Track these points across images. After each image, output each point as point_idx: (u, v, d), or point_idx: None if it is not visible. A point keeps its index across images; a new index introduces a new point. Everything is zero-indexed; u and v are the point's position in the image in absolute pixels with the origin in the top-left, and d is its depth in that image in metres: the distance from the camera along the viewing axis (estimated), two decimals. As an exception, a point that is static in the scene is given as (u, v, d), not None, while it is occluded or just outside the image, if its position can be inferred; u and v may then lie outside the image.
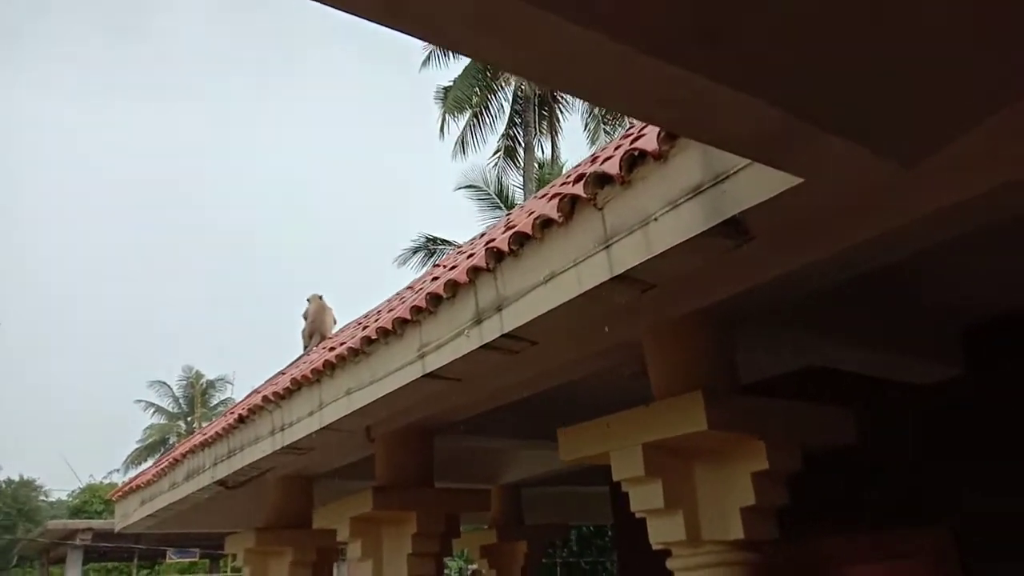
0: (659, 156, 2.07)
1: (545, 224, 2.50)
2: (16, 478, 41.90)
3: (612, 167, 2.23)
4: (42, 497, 42.46)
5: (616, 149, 2.63)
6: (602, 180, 2.26)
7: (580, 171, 2.73)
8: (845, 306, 3.61)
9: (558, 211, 2.41)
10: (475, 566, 21.75)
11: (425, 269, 20.60)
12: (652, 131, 2.27)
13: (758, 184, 1.90)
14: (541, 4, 1.11)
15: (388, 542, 4.93)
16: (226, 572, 24.49)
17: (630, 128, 3.53)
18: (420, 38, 1.23)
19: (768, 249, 2.26)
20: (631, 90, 1.42)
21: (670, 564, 3.23)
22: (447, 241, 21.35)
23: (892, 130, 1.68)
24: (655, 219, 2.11)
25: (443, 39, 1.28)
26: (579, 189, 2.34)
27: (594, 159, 3.27)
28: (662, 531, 3.19)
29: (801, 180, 1.82)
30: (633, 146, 2.16)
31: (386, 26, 1.17)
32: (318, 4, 1.17)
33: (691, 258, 2.18)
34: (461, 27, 1.20)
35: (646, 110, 1.52)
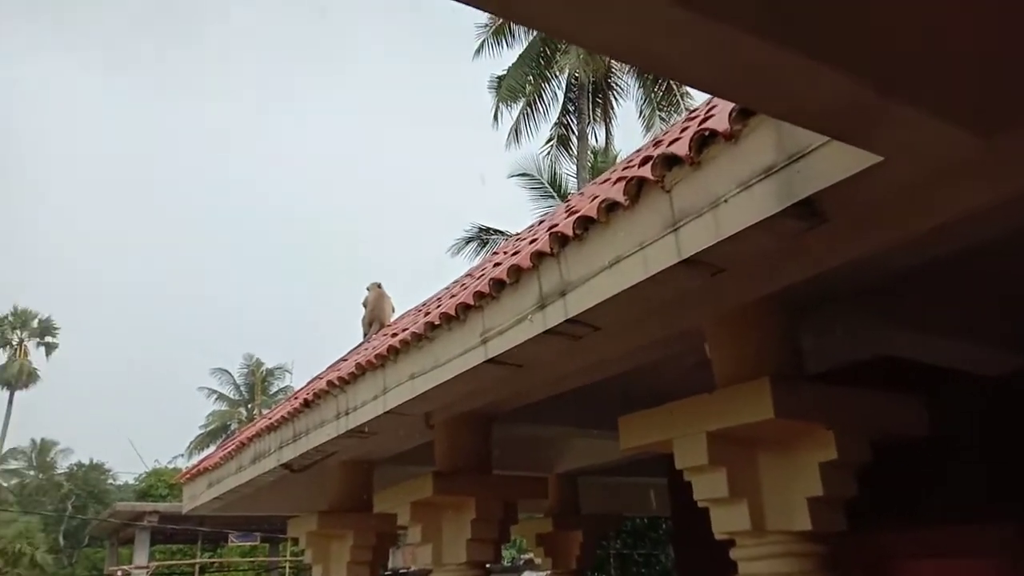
0: (730, 136, 2.04)
1: (611, 207, 2.48)
2: (86, 462, 43.68)
3: (681, 148, 2.19)
4: (110, 480, 44.15)
5: (683, 131, 2.59)
6: (670, 161, 2.23)
7: (645, 154, 2.70)
8: (915, 293, 3.50)
9: (624, 194, 2.39)
10: (528, 555, 21.87)
11: (478, 259, 20.70)
12: (721, 111, 2.23)
13: (834, 163, 1.85)
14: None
15: (447, 527, 4.99)
16: (285, 556, 25.09)
17: (694, 111, 3.48)
18: (497, 13, 1.23)
19: (841, 232, 2.20)
20: (707, 63, 1.40)
21: (734, 554, 3.19)
22: (500, 231, 21.40)
23: (976, 103, 1.62)
24: (725, 201, 2.07)
25: (518, 14, 1.27)
26: (646, 171, 2.31)
27: (657, 142, 3.23)
28: (726, 521, 3.15)
29: (880, 158, 1.77)
30: (703, 126, 2.13)
31: (461, 1, 1.17)
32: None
33: (762, 241, 2.13)
34: (536, 2, 1.20)
35: (722, 84, 1.50)
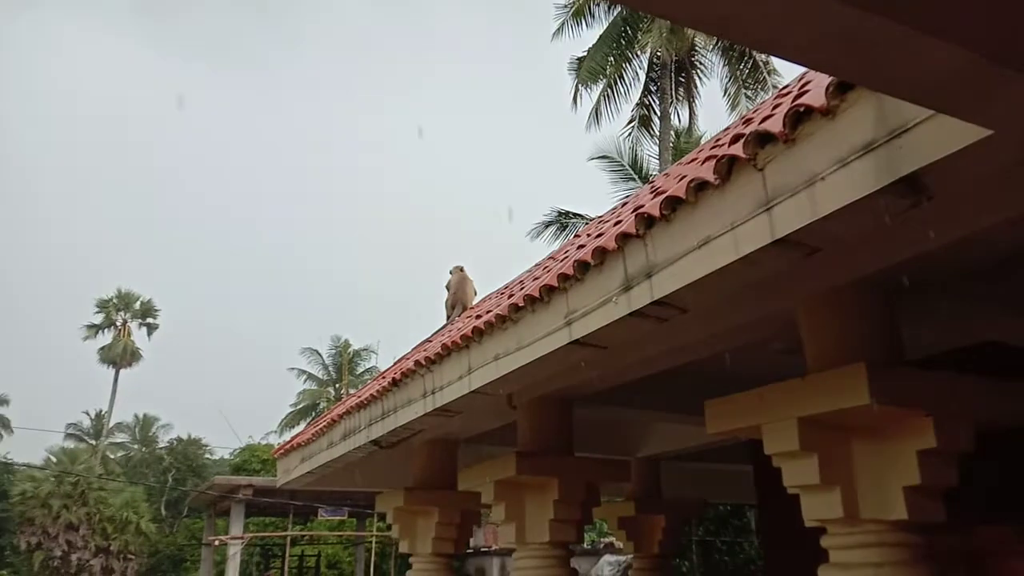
0: (827, 112, 1.97)
1: (700, 187, 2.45)
2: (185, 437, 45.96)
3: (774, 125, 2.14)
4: (207, 455, 46.29)
5: (775, 108, 2.52)
6: (763, 139, 2.18)
7: (735, 132, 2.64)
8: (1022, 275, 3.32)
9: (714, 173, 2.35)
10: (608, 539, 21.88)
11: (557, 243, 20.66)
12: (816, 86, 2.16)
13: (939, 138, 1.77)
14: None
15: (530, 507, 5.05)
16: (372, 531, 25.83)
17: (784, 87, 3.38)
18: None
19: (945, 210, 2.11)
20: (808, 36, 1.36)
21: (825, 542, 3.12)
22: (579, 215, 21.29)
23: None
24: (822, 179, 2.01)
25: None
26: (737, 149, 2.26)
27: (747, 120, 3.15)
28: (817, 508, 3.08)
29: (989, 132, 1.69)
30: (797, 102, 2.07)
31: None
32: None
33: (861, 220, 2.06)
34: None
35: (824, 58, 1.45)
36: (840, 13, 1.27)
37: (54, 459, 35.07)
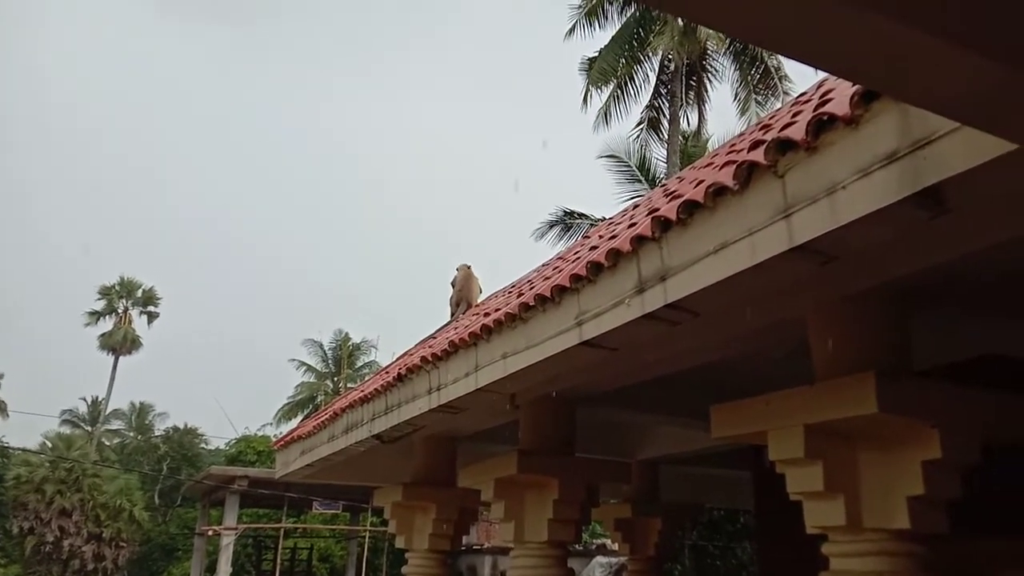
0: (851, 121, 1.98)
1: (719, 192, 2.45)
2: (181, 426, 45.96)
3: (796, 132, 2.15)
4: (203, 445, 46.28)
5: (795, 115, 2.53)
6: (784, 146, 2.19)
7: (753, 138, 2.66)
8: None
9: (733, 178, 2.36)
10: (601, 540, 21.88)
11: (562, 243, 20.67)
12: (840, 95, 2.17)
13: (963, 151, 1.78)
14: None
15: (530, 506, 5.05)
16: (366, 526, 25.85)
17: (802, 95, 3.39)
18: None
19: (964, 223, 2.12)
20: (839, 46, 1.37)
21: (826, 549, 3.13)
22: (584, 215, 21.31)
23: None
24: (843, 187, 2.02)
25: None
26: (757, 155, 2.27)
27: (765, 127, 3.16)
28: (820, 515, 3.09)
29: (1015, 146, 1.70)
30: (821, 110, 2.08)
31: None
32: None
33: (881, 230, 2.07)
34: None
35: (854, 67, 1.46)
36: (871, 23, 1.28)
37: (50, 444, 35.07)
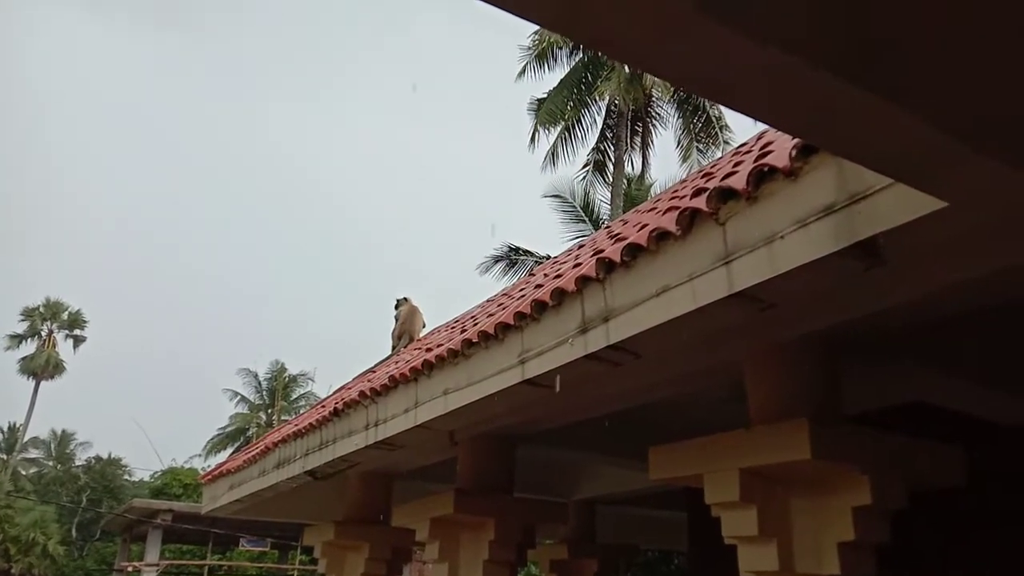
0: (790, 173, 2.04)
1: (661, 237, 2.49)
2: (104, 456, 44.08)
3: (738, 182, 2.20)
4: (126, 476, 44.45)
5: (736, 165, 2.60)
6: (726, 195, 2.24)
7: (695, 185, 2.71)
8: (960, 340, 3.46)
9: (676, 224, 2.39)
10: (537, 581, 21.64)
11: (507, 278, 20.73)
12: (780, 147, 2.23)
13: (896, 207, 1.84)
14: (719, 18, 1.12)
15: (465, 547, 4.97)
16: (294, 564, 25.07)
17: (743, 145, 3.49)
18: (587, 45, 1.25)
19: (897, 274, 2.19)
20: (779, 99, 1.40)
21: (759, 593, 3.15)
22: (529, 252, 21.45)
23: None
24: (781, 237, 2.07)
25: (581, 33, 1.28)
26: (700, 203, 2.32)
27: (706, 175, 3.24)
28: (753, 559, 3.11)
29: (945, 204, 1.76)
30: (761, 162, 2.13)
31: (560, 33, 1.19)
32: (484, 4, 1.20)
33: (817, 279, 2.12)
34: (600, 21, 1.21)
35: (791, 121, 1.50)
36: (809, 79, 1.31)
37: (-41, 473, 33.20)
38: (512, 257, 21.50)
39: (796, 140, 2.04)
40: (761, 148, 2.52)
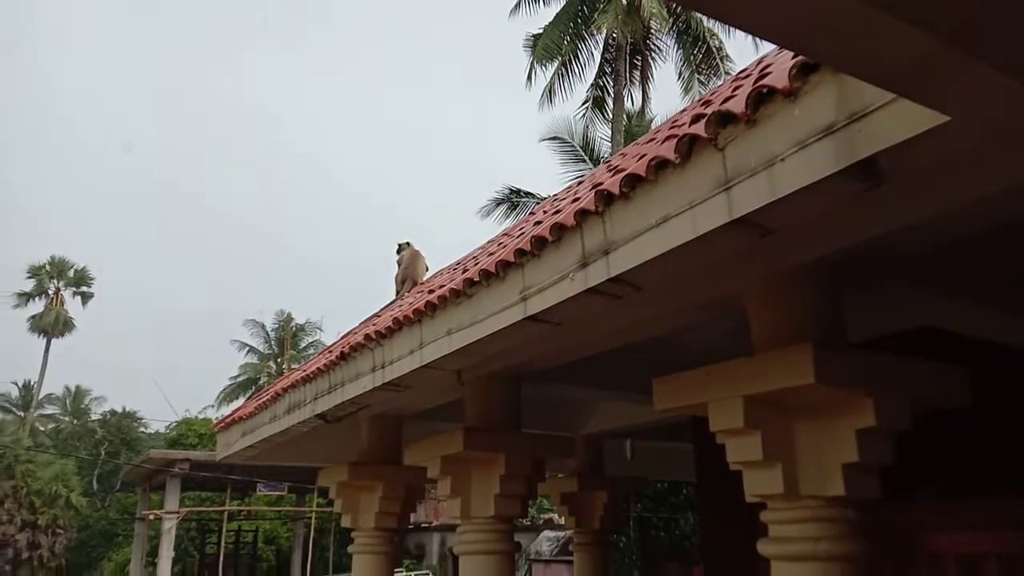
0: (789, 93, 2.00)
1: (660, 165, 2.45)
2: (119, 409, 44.77)
3: (736, 105, 2.16)
4: (142, 428, 45.21)
5: (735, 89, 2.55)
6: (725, 119, 2.20)
7: (695, 112, 2.66)
8: (965, 263, 3.44)
9: (675, 152, 2.36)
10: (548, 515, 22.16)
11: (509, 221, 20.65)
12: (778, 69, 2.18)
13: (897, 123, 1.81)
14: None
15: (476, 482, 5.06)
16: (311, 507, 25.64)
17: (743, 71, 3.42)
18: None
19: (899, 195, 2.16)
20: (778, 12, 1.37)
21: (765, 516, 3.21)
22: (530, 193, 21.30)
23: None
24: (781, 160, 2.04)
25: None
26: (699, 129, 2.28)
27: (706, 102, 3.18)
28: (758, 483, 3.16)
29: (947, 119, 1.73)
30: (760, 83, 2.09)
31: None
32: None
33: (818, 201, 2.10)
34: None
35: (789, 35, 1.46)
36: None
37: (-22, 431, 33.78)
38: (513, 199, 21.37)
39: (795, 59, 2.00)
40: (760, 71, 2.47)
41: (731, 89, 2.67)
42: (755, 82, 2.19)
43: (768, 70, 2.34)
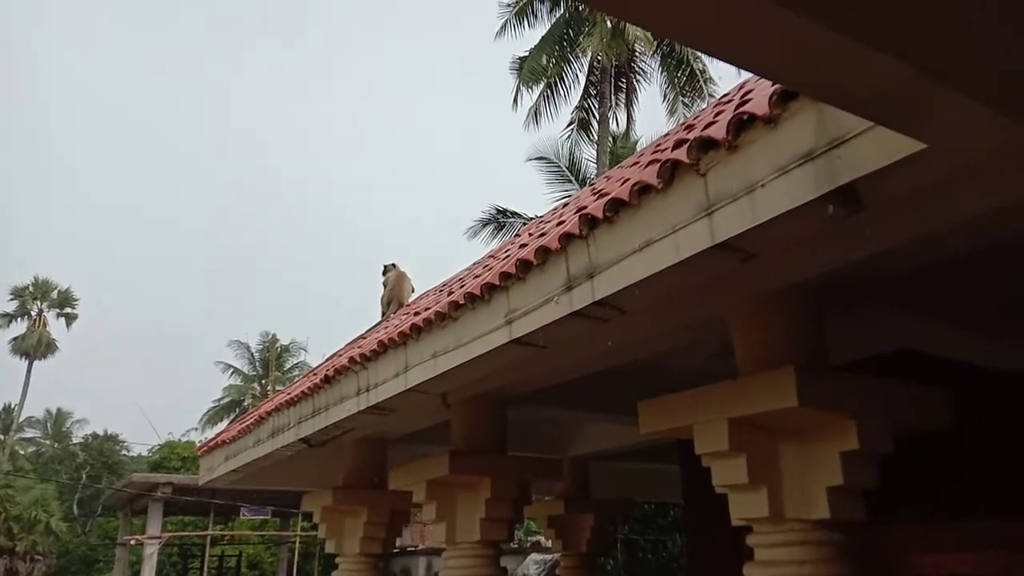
0: (769, 120, 2.02)
1: (643, 190, 2.47)
2: (101, 433, 44.20)
3: (717, 131, 2.18)
4: (124, 452, 44.63)
5: (717, 115, 2.57)
6: (706, 145, 2.22)
7: (677, 137, 2.69)
8: (945, 286, 3.47)
9: (657, 177, 2.38)
10: (536, 537, 21.98)
11: (496, 241, 20.68)
12: (759, 95, 2.21)
13: (875, 150, 1.83)
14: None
15: (462, 506, 5.02)
16: (296, 531, 25.33)
17: (725, 95, 3.46)
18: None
19: (879, 219, 2.18)
20: (752, 43, 1.39)
21: (751, 540, 3.21)
22: (517, 213, 21.36)
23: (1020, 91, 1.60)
24: (762, 186, 2.06)
25: None
26: (680, 154, 2.30)
27: (688, 127, 3.21)
28: (744, 507, 3.16)
29: (924, 146, 1.75)
30: (741, 110, 2.11)
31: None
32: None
33: (798, 227, 2.12)
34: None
35: (768, 65, 1.48)
36: (782, 20, 1.29)
37: (-44, 455, 33.23)
38: (500, 220, 21.41)
39: (775, 86, 2.02)
40: (742, 97, 2.50)
41: (713, 114, 2.70)
42: (736, 108, 2.22)
43: (749, 96, 2.37)
